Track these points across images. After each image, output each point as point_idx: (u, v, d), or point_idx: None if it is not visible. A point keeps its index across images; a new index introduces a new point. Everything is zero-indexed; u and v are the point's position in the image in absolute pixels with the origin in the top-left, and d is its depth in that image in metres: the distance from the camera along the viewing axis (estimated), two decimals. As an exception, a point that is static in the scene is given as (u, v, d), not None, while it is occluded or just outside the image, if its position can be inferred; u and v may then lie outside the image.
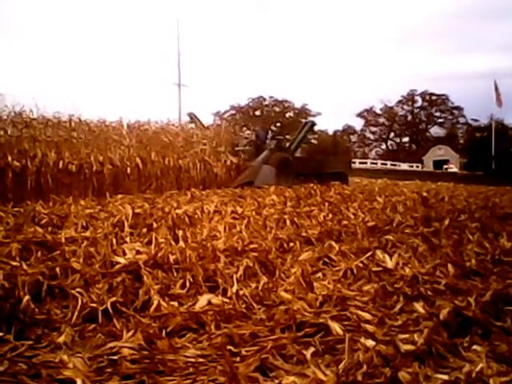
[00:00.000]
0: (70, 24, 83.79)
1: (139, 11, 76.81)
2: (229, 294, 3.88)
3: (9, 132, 13.47)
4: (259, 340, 2.97)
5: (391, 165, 37.30)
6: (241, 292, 3.88)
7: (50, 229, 6.12)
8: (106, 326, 3.33)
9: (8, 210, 7.88)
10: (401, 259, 4.76)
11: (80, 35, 77.59)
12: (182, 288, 4.04)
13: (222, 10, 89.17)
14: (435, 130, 63.77)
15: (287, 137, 21.25)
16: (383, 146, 64.43)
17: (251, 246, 5.32)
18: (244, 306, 3.65)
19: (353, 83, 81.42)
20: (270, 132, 21.20)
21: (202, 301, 3.60)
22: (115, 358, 2.72)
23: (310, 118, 55.87)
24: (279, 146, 16.91)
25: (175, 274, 4.35)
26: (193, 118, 19.04)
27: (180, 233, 5.82)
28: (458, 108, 62.19)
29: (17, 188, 11.05)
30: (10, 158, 11.14)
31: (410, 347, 2.77)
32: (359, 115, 62.88)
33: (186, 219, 6.98)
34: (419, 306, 3.47)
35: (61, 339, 3.04)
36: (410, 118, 63.67)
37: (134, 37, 79.24)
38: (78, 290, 3.75)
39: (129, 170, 13.96)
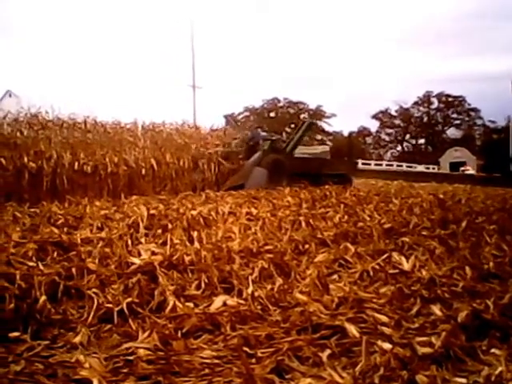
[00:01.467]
0: (85, 25, 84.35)
1: (153, 13, 77.02)
2: (244, 295, 3.86)
3: (25, 133, 13.61)
4: (275, 342, 2.96)
5: (407, 166, 37.09)
6: (256, 293, 3.86)
7: (65, 229, 6.14)
8: (121, 326, 3.34)
9: (24, 211, 7.94)
10: (417, 261, 4.71)
11: (95, 37, 78.28)
12: (198, 289, 4.04)
13: (237, 12, 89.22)
14: (452, 132, 63.45)
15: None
16: (399, 148, 64.17)
17: (266, 248, 5.30)
18: (259, 307, 3.63)
19: (367, 85, 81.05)
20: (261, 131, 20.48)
21: (218, 302, 3.60)
22: (131, 358, 2.72)
23: (325, 120, 55.88)
24: (273, 146, 16.17)
25: (190, 274, 4.35)
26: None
27: (195, 234, 5.82)
28: (475, 109, 61.80)
29: (33, 189, 11.15)
30: (26, 159, 11.23)
31: (427, 350, 2.74)
32: (374, 117, 62.75)
33: (201, 220, 6.97)
34: (436, 309, 3.43)
35: (77, 339, 3.06)
36: (425, 119, 63.33)
37: (148, 39, 79.56)
38: (94, 290, 3.77)
39: (143, 172, 14.02)
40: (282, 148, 16.40)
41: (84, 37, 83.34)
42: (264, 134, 19.36)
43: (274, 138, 18.06)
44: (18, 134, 13.43)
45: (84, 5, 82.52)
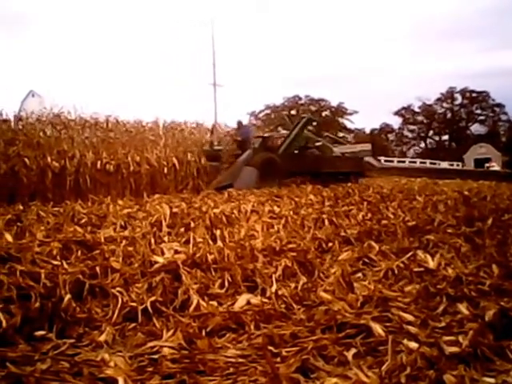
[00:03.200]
0: (107, 25, 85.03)
1: (173, 11, 77.37)
2: (268, 293, 3.85)
3: (48, 133, 13.77)
4: (299, 341, 2.93)
5: (430, 163, 36.60)
6: (280, 292, 3.85)
7: (89, 228, 6.19)
8: (145, 325, 3.35)
9: (48, 210, 8.02)
10: (443, 259, 4.64)
11: (117, 36, 78.81)
12: (221, 288, 4.04)
13: (258, 9, 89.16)
14: (476, 128, 62.56)
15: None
16: (422, 145, 63.48)
17: (289, 246, 5.28)
18: (283, 306, 3.61)
19: (390, 81, 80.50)
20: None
21: (241, 300, 3.59)
22: (156, 357, 2.72)
23: (347, 117, 55.54)
24: (264, 144, 15.74)
25: (214, 273, 4.35)
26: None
27: (218, 232, 5.82)
28: (500, 105, 60.86)
29: (56, 188, 11.29)
30: (49, 159, 11.37)
31: (454, 349, 2.69)
32: (397, 113, 62.12)
33: (224, 219, 6.98)
34: (463, 308, 3.37)
35: (102, 338, 3.07)
36: (449, 115, 62.57)
37: (169, 37, 79.84)
38: (118, 289, 3.78)
39: (165, 170, 14.09)
40: (274, 145, 15.87)
41: (106, 36, 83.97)
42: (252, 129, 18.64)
43: (265, 134, 17.64)
44: (41, 133, 13.58)
45: (106, 3, 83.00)
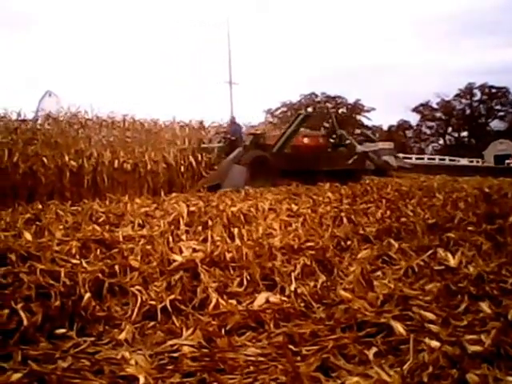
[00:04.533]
0: (123, 24, 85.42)
1: (189, 10, 77.50)
2: (287, 292, 3.85)
3: (65, 133, 13.88)
4: (320, 339, 2.92)
5: (450, 160, 36.27)
6: (299, 290, 3.84)
7: (107, 227, 6.22)
8: (165, 323, 3.36)
9: (66, 209, 8.09)
10: (464, 257, 4.58)
11: (132, 35, 79.20)
12: (240, 286, 4.03)
13: (273, 6, 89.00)
14: (496, 124, 61.85)
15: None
16: (441, 141, 62.94)
17: (308, 244, 5.25)
18: (303, 304, 3.61)
19: (407, 77, 79.92)
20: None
21: (260, 299, 3.58)
22: (176, 355, 2.73)
23: (364, 114, 55.24)
24: (255, 142, 14.93)
25: (232, 272, 4.34)
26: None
27: (235, 231, 5.81)
28: (520, 101, 60.13)
29: (74, 187, 11.36)
30: (67, 158, 11.44)
31: (477, 348, 2.65)
32: (415, 110, 61.65)
33: (241, 217, 6.97)
34: (485, 306, 3.33)
35: (122, 336, 3.09)
36: (468, 111, 61.94)
37: (183, 35, 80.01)
38: (137, 287, 3.80)
39: (182, 169, 14.11)
40: (265, 144, 15.20)
41: (122, 35, 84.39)
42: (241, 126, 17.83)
43: (257, 132, 16.83)
44: (59, 133, 13.69)
45: (122, 3, 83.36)
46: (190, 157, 14.61)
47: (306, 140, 17.22)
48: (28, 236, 5.34)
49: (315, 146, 17.44)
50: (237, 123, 16.56)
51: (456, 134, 63.23)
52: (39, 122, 15.11)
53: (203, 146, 15.18)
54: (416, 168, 24.07)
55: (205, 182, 13.22)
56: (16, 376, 2.41)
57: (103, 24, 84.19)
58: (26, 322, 3.05)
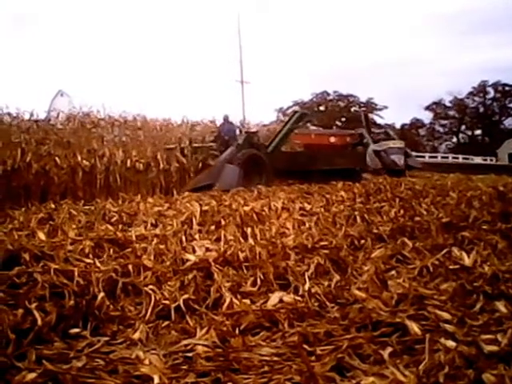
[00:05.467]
0: (133, 23, 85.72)
1: (200, 8, 77.56)
2: (300, 291, 3.83)
3: (78, 132, 13.94)
4: (334, 339, 2.90)
5: (463, 158, 36.04)
6: (313, 290, 3.82)
7: (120, 226, 6.24)
8: (179, 323, 3.36)
9: (79, 208, 8.12)
10: (479, 256, 4.53)
11: (143, 34, 79.43)
12: (253, 286, 4.02)
13: (285, 4, 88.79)
14: (509, 122, 61.37)
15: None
16: (454, 140, 62.56)
17: (321, 244, 5.23)
18: (317, 304, 3.59)
19: (420, 76, 79.54)
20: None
21: (274, 298, 3.57)
22: (190, 355, 2.72)
23: (377, 112, 55.03)
24: (249, 141, 14.22)
25: (245, 271, 4.33)
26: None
27: (248, 230, 5.80)
28: (534, 98, 59.67)
29: (87, 186, 11.39)
30: (79, 158, 11.48)
31: (493, 348, 2.62)
32: (427, 108, 61.36)
33: (254, 216, 6.96)
34: (501, 305, 3.29)
35: (136, 336, 3.09)
36: (481, 109, 61.52)
37: (194, 34, 79.96)
38: (151, 287, 3.80)
39: (193, 168, 14.10)
40: (259, 143, 14.73)
41: (132, 35, 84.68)
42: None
43: (251, 130, 16.32)
44: (71, 132, 13.75)
45: (133, 2, 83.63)
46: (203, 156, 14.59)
47: (333, 139, 17.18)
48: (41, 235, 5.37)
49: (343, 144, 17.43)
50: (230, 122, 16.22)
51: (469, 133, 62.85)
52: (51, 121, 15.18)
53: (195, 145, 14.67)
54: (429, 167, 23.94)
55: (196, 182, 12.84)
56: (31, 376, 2.41)
57: (114, 23, 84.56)
58: (40, 322, 3.05)
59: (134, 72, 72.90)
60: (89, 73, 56.35)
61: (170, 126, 18.62)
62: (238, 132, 15.79)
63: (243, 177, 12.84)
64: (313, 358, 2.64)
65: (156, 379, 2.40)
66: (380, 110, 56.31)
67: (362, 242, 5.59)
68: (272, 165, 13.86)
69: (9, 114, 14.61)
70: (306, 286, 3.88)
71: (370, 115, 55.21)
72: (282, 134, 15.35)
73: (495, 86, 60.59)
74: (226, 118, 15.99)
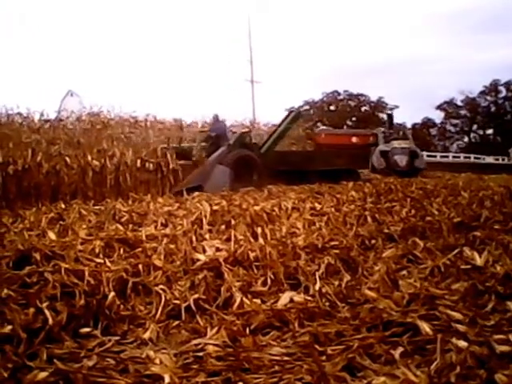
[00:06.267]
0: (142, 23, 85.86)
1: (210, 8, 77.62)
2: (311, 291, 3.82)
3: (88, 132, 13.99)
4: (345, 339, 2.90)
5: (475, 158, 35.80)
6: (323, 290, 3.81)
7: (130, 226, 6.25)
8: (189, 322, 3.37)
9: (89, 208, 8.14)
10: (491, 256, 4.50)
11: (153, 34, 79.57)
12: (264, 285, 4.02)
13: (295, 3, 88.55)
14: (522, 121, 60.94)
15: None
16: (465, 139, 62.17)
17: (332, 243, 5.22)
18: (327, 304, 3.58)
19: (431, 75, 79.11)
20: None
21: (284, 298, 3.57)
22: (200, 354, 2.72)
23: (388, 112, 54.82)
24: (240, 141, 13.82)
25: (256, 271, 4.33)
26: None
27: (259, 230, 5.79)
28: (546, 98, 59.20)
29: (97, 186, 11.41)
30: (89, 158, 11.50)
31: (505, 348, 2.61)
32: (439, 107, 61.01)
33: (264, 216, 6.94)
34: (513, 305, 3.28)
35: (146, 335, 3.10)
36: (493, 109, 61.08)
37: (205, 34, 79.96)
38: (161, 286, 3.81)
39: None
40: (251, 143, 14.26)
41: (142, 34, 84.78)
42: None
43: (243, 130, 15.85)
44: (82, 132, 13.80)
45: (141, 2, 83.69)
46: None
47: (355, 139, 17.06)
48: (52, 235, 5.40)
49: (364, 144, 17.31)
50: (220, 121, 15.80)
51: (481, 132, 62.46)
52: (62, 121, 15.26)
53: (183, 145, 14.14)
54: (441, 166, 23.81)
55: (185, 184, 12.23)
56: (42, 375, 2.42)
57: (122, 23, 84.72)
58: (51, 321, 3.06)
59: (143, 72, 72.92)
60: (98, 73, 56.60)
61: (181, 125, 18.66)
62: (228, 131, 15.36)
63: (234, 178, 12.47)
64: (323, 357, 2.64)
65: (167, 378, 2.40)
66: (391, 109, 56.05)
67: (373, 241, 5.57)
68: (265, 166, 13.50)
69: (19, 113, 14.70)
70: (317, 286, 3.88)
71: (381, 115, 55.09)
72: (277, 134, 15.07)
73: (507, 84, 60.14)
74: (215, 117, 15.69)
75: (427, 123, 60.70)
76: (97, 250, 4.78)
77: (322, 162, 15.13)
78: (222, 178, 12.26)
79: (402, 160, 19.12)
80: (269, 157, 14.08)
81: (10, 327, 2.94)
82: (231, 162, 12.78)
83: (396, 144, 19.70)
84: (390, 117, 22.55)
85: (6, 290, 3.49)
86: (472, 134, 61.98)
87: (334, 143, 16.81)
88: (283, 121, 15.71)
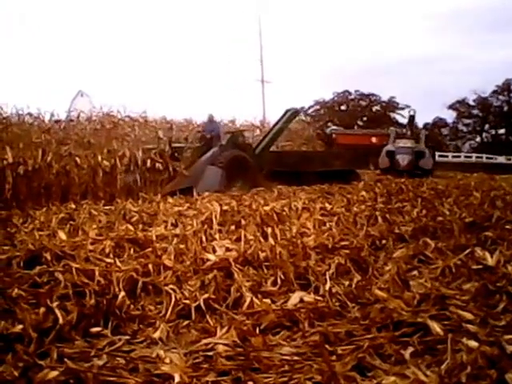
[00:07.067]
0: (152, 23, 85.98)
1: (220, 8, 77.49)
2: (321, 291, 3.82)
3: (98, 132, 14.02)
4: (355, 339, 2.89)
5: (487, 158, 35.57)
6: (334, 290, 3.80)
7: (140, 226, 6.27)
8: (199, 322, 3.37)
9: (99, 208, 8.18)
10: (502, 256, 4.46)
11: (163, 34, 79.67)
12: (274, 285, 4.02)
13: (305, 2, 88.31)
14: (535, 121, 60.46)
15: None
16: (477, 139, 61.77)
17: (342, 243, 5.21)
18: (337, 304, 3.57)
19: (443, 74, 78.70)
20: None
21: (295, 298, 3.57)
22: (210, 354, 2.73)
23: (399, 112, 54.58)
24: (233, 141, 13.55)
25: (266, 271, 4.33)
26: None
27: (269, 230, 5.78)
28: (559, 97, 58.70)
29: (107, 187, 11.42)
30: (99, 158, 11.52)
31: (516, 348, 2.59)
32: (451, 107, 60.69)
33: (274, 216, 6.94)
34: (524, 306, 3.26)
35: (156, 335, 3.10)
36: (506, 108, 60.65)
37: (215, 33, 79.97)
38: (171, 286, 3.82)
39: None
40: (244, 143, 14.05)
41: (151, 34, 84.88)
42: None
43: (236, 130, 15.68)
44: (92, 133, 13.84)
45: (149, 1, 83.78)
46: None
47: (375, 139, 16.93)
48: (62, 235, 5.43)
49: (381, 145, 17.20)
50: (215, 121, 15.45)
51: (493, 132, 62.03)
52: (72, 122, 15.31)
53: (174, 145, 13.49)
54: (452, 166, 23.67)
55: (175, 185, 11.85)
56: (52, 374, 2.43)
57: (131, 23, 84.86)
58: (61, 321, 3.08)
59: (152, 72, 73.06)
60: (108, 73, 56.72)
61: (191, 125, 18.70)
62: (222, 132, 15.00)
63: (226, 179, 12.18)
64: (334, 357, 2.63)
65: (177, 378, 2.40)
66: (402, 109, 55.82)
67: (384, 242, 5.56)
68: (259, 166, 13.21)
69: (30, 114, 14.76)
70: (327, 286, 3.87)
71: (392, 114, 54.88)
72: (272, 134, 14.73)
73: (520, 84, 59.73)
74: (210, 118, 15.39)
75: (439, 123, 60.37)
76: (107, 250, 4.80)
77: (320, 163, 14.89)
78: (214, 179, 12.01)
79: (403, 159, 18.94)
80: (263, 157, 13.79)
81: (20, 326, 2.96)
82: (223, 162, 12.46)
83: (401, 143, 19.56)
84: (413, 117, 22.26)
85: (16, 290, 3.52)
86: (484, 134, 61.56)
87: (355, 143, 16.72)
88: (279, 120, 15.33)
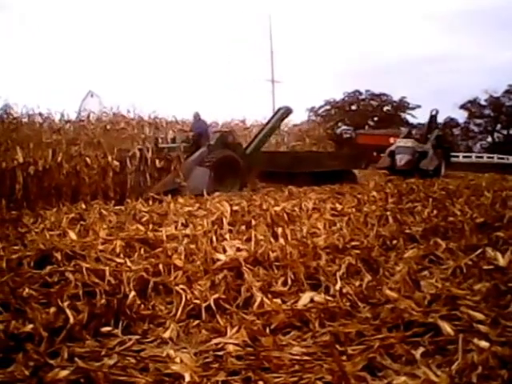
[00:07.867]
0: (162, 23, 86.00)
1: (230, 8, 77.46)
2: (332, 291, 3.81)
3: (108, 133, 14.06)
4: (365, 339, 2.88)
5: (498, 158, 35.32)
6: (344, 290, 3.79)
7: (150, 226, 6.29)
8: (209, 322, 3.37)
9: (110, 209, 8.22)
10: (514, 257, 4.46)
11: (173, 34, 79.76)
12: (284, 285, 4.01)
13: (315, 3, 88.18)
14: (546, 121, 60.01)
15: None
16: (489, 139, 61.38)
17: (353, 244, 5.21)
18: (348, 304, 3.56)
19: (454, 73, 78.30)
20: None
21: (305, 298, 3.56)
22: (220, 353, 2.73)
23: (409, 112, 54.35)
24: (222, 141, 12.93)
25: (276, 271, 4.33)
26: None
27: (279, 230, 5.78)
28: None
29: (117, 187, 11.45)
30: (110, 158, 11.55)
31: (527, 349, 2.58)
32: (462, 107, 60.36)
33: (285, 216, 6.94)
34: (536, 306, 3.24)
35: (166, 334, 3.11)
36: (517, 108, 60.27)
37: (225, 33, 79.92)
38: (182, 286, 3.82)
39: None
40: (234, 143, 13.48)
41: (161, 35, 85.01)
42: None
43: (225, 129, 15.20)
44: (102, 133, 13.89)
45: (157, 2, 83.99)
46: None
47: (393, 139, 16.86)
48: (73, 235, 5.46)
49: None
50: (202, 120, 14.77)
51: (505, 132, 61.59)
52: (82, 122, 15.37)
53: (161, 145, 13.09)
54: (463, 166, 23.51)
55: (161, 187, 11.50)
56: (63, 373, 2.44)
57: (140, 24, 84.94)
58: (72, 320, 3.09)
59: (162, 72, 73.12)
60: (118, 74, 56.76)
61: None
62: (210, 131, 14.52)
63: (214, 180, 11.85)
64: (344, 357, 2.62)
65: (187, 377, 2.41)
66: (413, 109, 55.61)
67: (394, 242, 5.53)
68: (250, 167, 12.85)
69: (40, 114, 14.83)
70: (338, 286, 3.86)
71: (403, 114, 54.65)
72: (264, 133, 14.23)
73: (532, 83, 59.29)
74: (196, 116, 14.80)
75: (450, 123, 60.05)
76: (117, 250, 4.83)
77: (313, 163, 14.50)
78: (202, 180, 11.66)
79: (401, 159, 18.67)
80: (255, 158, 13.36)
81: (31, 326, 2.98)
82: (212, 163, 12.12)
83: (401, 143, 19.35)
84: (434, 117, 21.85)
85: (27, 290, 3.55)
86: (496, 134, 61.13)
87: (374, 144, 16.63)
88: (271, 119, 14.82)
